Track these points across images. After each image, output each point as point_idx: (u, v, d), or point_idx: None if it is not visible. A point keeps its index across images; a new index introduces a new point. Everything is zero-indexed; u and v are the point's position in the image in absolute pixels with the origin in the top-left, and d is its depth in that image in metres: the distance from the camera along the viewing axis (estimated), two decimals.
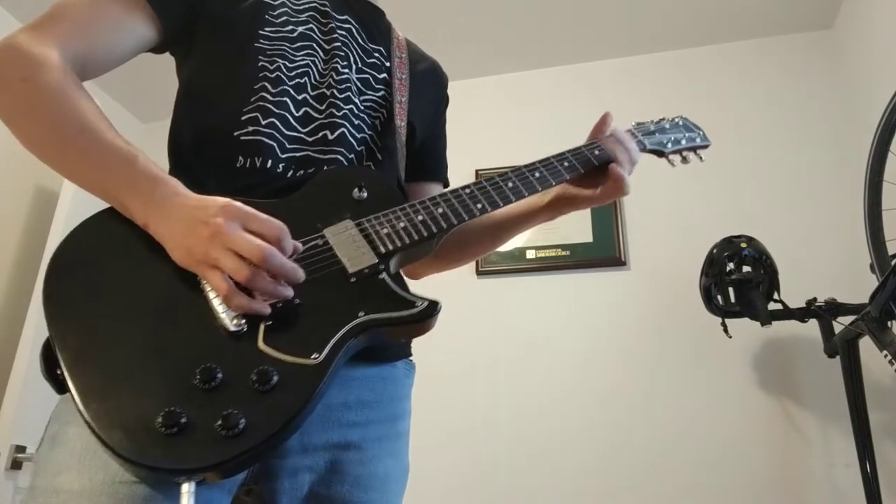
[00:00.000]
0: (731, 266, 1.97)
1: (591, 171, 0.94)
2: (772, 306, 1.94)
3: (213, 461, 0.58)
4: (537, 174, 0.90)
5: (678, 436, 2.14)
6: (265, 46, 0.88)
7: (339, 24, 0.97)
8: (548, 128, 2.68)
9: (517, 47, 2.72)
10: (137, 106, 3.07)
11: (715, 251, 2.01)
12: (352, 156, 0.88)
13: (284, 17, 0.92)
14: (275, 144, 0.83)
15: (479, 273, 2.53)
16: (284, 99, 0.86)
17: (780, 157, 2.42)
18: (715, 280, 1.98)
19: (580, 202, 0.97)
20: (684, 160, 1.08)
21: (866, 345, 1.71)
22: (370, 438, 0.80)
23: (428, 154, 1.09)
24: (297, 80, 0.88)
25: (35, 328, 2.15)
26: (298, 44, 0.91)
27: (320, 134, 0.87)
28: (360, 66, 0.96)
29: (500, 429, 2.27)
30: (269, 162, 0.82)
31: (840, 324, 1.84)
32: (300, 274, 0.69)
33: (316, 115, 0.88)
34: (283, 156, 0.83)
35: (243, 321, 0.66)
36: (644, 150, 1.03)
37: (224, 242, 0.65)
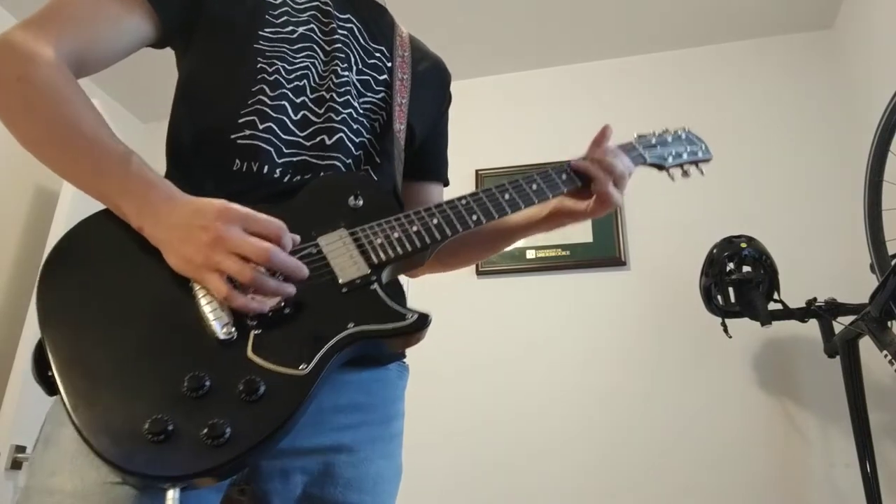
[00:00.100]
0: (731, 266, 1.97)
1: (587, 186, 0.95)
2: (772, 306, 1.94)
3: (197, 469, 0.59)
4: (534, 186, 0.90)
5: (678, 436, 2.14)
6: (264, 48, 0.88)
7: (340, 23, 0.96)
8: (547, 128, 2.68)
9: (516, 47, 2.73)
10: (137, 106, 3.07)
11: (715, 251, 2.01)
12: (349, 160, 0.88)
13: (285, 17, 0.92)
14: (272, 149, 0.83)
15: (479, 273, 2.53)
16: (283, 102, 0.86)
17: (780, 157, 2.42)
18: (715, 280, 1.98)
19: (577, 216, 0.97)
20: (685, 174, 1.08)
21: (866, 345, 1.71)
22: (363, 440, 0.79)
23: (428, 153, 1.09)
24: (295, 83, 0.88)
25: (35, 328, 2.14)
26: (298, 45, 0.90)
27: (318, 138, 0.86)
28: (360, 67, 0.95)
29: (499, 429, 2.27)
30: (266, 167, 0.82)
31: (840, 324, 1.84)
32: (304, 271, 0.69)
33: (314, 118, 0.87)
34: (280, 160, 0.83)
35: (233, 329, 0.66)
36: (644, 163, 1.03)
37: (226, 247, 0.65)
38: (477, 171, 2.67)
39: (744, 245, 1.97)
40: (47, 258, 0.69)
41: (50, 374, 0.63)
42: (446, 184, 1.14)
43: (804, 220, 2.30)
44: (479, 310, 2.47)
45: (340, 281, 0.73)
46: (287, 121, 0.85)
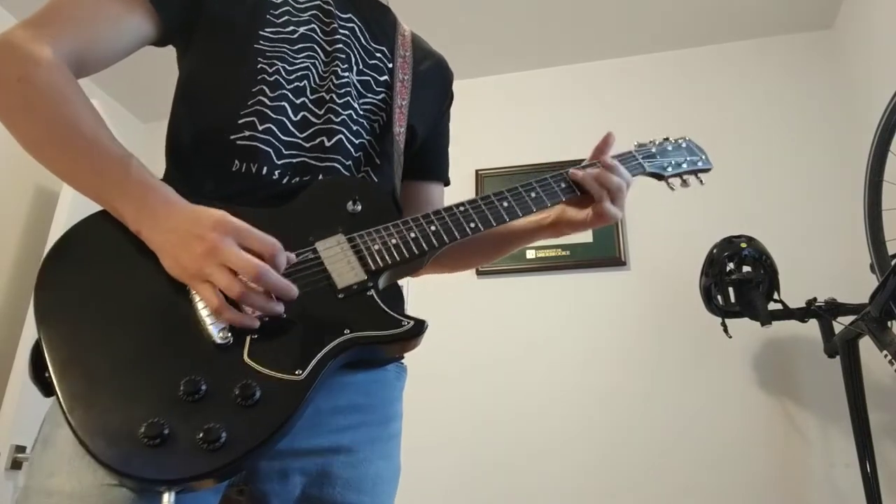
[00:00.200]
0: (731, 266, 1.97)
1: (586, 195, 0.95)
2: (772, 306, 1.94)
3: (193, 473, 0.59)
4: (533, 194, 0.90)
5: (678, 436, 2.14)
6: (265, 48, 0.87)
7: (342, 23, 0.95)
8: (548, 128, 2.68)
9: (517, 47, 2.73)
10: (137, 105, 3.07)
11: (715, 251, 2.01)
12: (349, 162, 0.88)
13: (286, 17, 0.91)
14: (271, 150, 0.83)
15: (479, 273, 2.53)
16: (282, 103, 0.85)
17: (780, 157, 2.42)
18: (715, 280, 1.98)
19: (576, 226, 0.97)
20: (684, 183, 1.07)
21: (866, 345, 1.71)
22: (362, 441, 0.79)
23: (429, 152, 1.08)
24: (296, 84, 0.87)
25: (35, 328, 2.14)
26: (299, 45, 0.90)
27: (317, 140, 0.86)
28: (361, 67, 0.95)
29: (500, 429, 2.26)
30: (265, 168, 0.82)
31: (840, 324, 1.84)
32: (293, 291, 0.69)
33: (314, 119, 0.87)
34: (279, 162, 0.83)
35: (229, 334, 0.66)
36: (643, 173, 1.02)
37: (219, 259, 0.65)
38: (477, 172, 2.66)
39: (744, 245, 1.97)
40: (45, 258, 0.69)
41: (47, 375, 0.63)
42: (447, 183, 1.13)
43: (804, 220, 2.30)
44: (479, 310, 2.47)
45: (338, 287, 0.73)
46: (287, 122, 0.85)
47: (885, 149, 1.66)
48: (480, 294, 2.50)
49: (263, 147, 0.82)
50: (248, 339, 0.67)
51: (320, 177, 0.84)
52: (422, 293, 2.14)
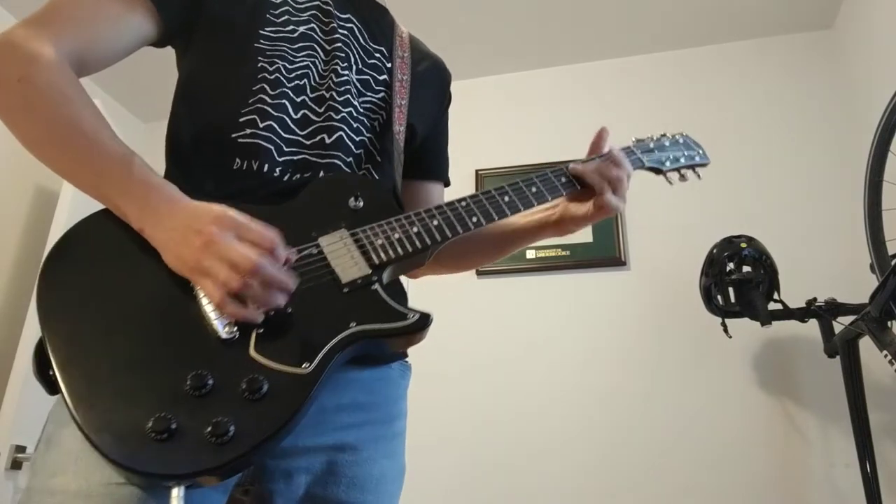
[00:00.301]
0: (731, 266, 1.97)
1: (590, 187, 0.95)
2: (772, 306, 1.94)
3: (202, 468, 0.59)
4: (534, 189, 0.90)
5: (678, 436, 2.14)
6: (265, 47, 0.88)
7: (341, 23, 0.96)
8: (548, 128, 2.68)
9: (517, 47, 2.73)
10: (138, 105, 3.07)
11: (715, 251, 2.01)
12: (350, 159, 0.88)
13: (286, 17, 0.92)
14: (272, 148, 0.83)
15: (479, 273, 2.53)
16: (283, 101, 0.86)
17: (780, 157, 2.42)
18: (715, 280, 1.98)
19: (579, 221, 0.97)
20: (682, 178, 1.08)
21: (866, 345, 1.71)
22: (366, 439, 0.79)
23: (428, 152, 1.09)
24: (296, 82, 0.88)
25: (35, 328, 2.13)
26: (299, 44, 0.90)
27: (318, 137, 0.86)
28: (360, 66, 0.95)
29: (500, 429, 2.27)
30: (266, 166, 0.82)
31: (840, 324, 1.84)
32: (291, 284, 0.69)
33: (314, 117, 0.87)
34: (281, 159, 0.83)
35: (235, 329, 0.66)
36: (642, 167, 1.03)
37: (217, 252, 0.65)
38: (477, 171, 2.67)
39: (744, 245, 1.97)
40: (48, 256, 0.69)
41: (51, 372, 0.62)
42: (447, 184, 1.14)
43: (804, 220, 2.30)
44: (479, 310, 2.47)
45: (342, 281, 0.74)
46: (287, 119, 0.85)
47: (885, 149, 1.66)
48: (480, 294, 2.50)
49: (265, 144, 0.83)
50: (254, 333, 0.67)
51: (321, 174, 0.85)
52: (421, 293, 2.13)
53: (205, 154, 0.84)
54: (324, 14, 0.95)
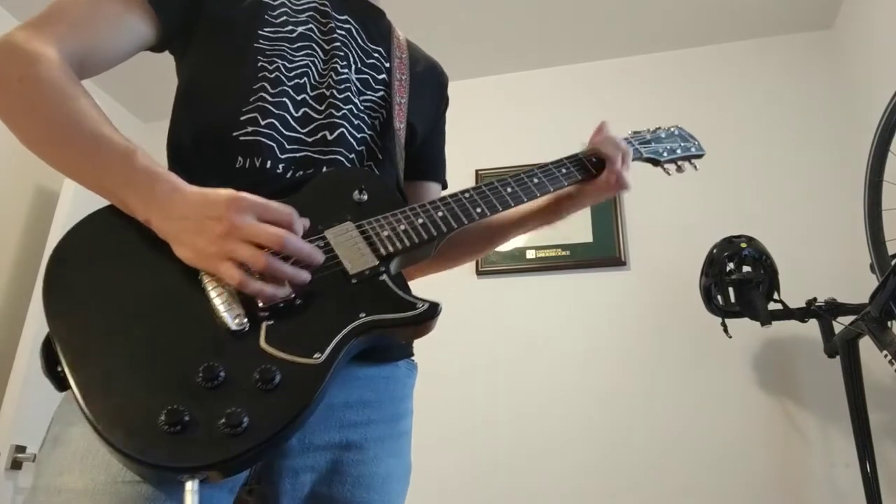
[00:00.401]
0: (731, 266, 1.97)
1: (589, 178, 0.97)
2: (772, 306, 1.94)
3: (217, 459, 0.58)
4: (535, 180, 0.92)
5: (678, 436, 2.14)
6: (264, 47, 0.88)
7: (338, 24, 0.97)
8: (548, 128, 2.69)
9: (517, 47, 2.73)
10: (138, 106, 3.07)
11: (715, 251, 2.01)
12: (352, 156, 0.88)
13: (284, 18, 0.92)
14: (274, 145, 0.83)
15: (479, 273, 2.53)
16: (283, 99, 0.86)
17: (780, 157, 2.42)
18: (715, 280, 1.98)
19: (582, 198, 0.99)
20: (679, 169, 1.11)
21: (866, 345, 1.71)
22: (372, 438, 0.80)
23: (426, 154, 1.10)
24: (296, 81, 0.88)
25: (35, 328, 2.15)
26: (298, 44, 0.90)
27: (320, 134, 0.87)
28: (359, 66, 0.96)
29: (500, 429, 2.27)
30: (269, 162, 0.82)
31: (840, 324, 1.84)
32: (319, 256, 0.70)
33: (315, 115, 0.88)
34: (283, 156, 0.83)
35: (245, 320, 0.66)
36: (640, 158, 1.05)
37: (240, 236, 0.65)
38: (477, 171, 2.67)
39: (744, 245, 1.97)
40: (53, 251, 0.69)
41: (59, 369, 0.62)
42: (444, 185, 1.14)
43: (804, 220, 2.31)
44: (479, 310, 2.47)
45: (350, 272, 0.74)
46: (289, 117, 0.86)
47: (885, 149, 1.66)
48: (480, 294, 2.50)
49: (267, 141, 0.83)
50: (264, 325, 0.67)
51: (324, 169, 0.85)
52: (421, 293, 2.14)
53: (206, 154, 0.84)
54: (321, 15, 0.96)
